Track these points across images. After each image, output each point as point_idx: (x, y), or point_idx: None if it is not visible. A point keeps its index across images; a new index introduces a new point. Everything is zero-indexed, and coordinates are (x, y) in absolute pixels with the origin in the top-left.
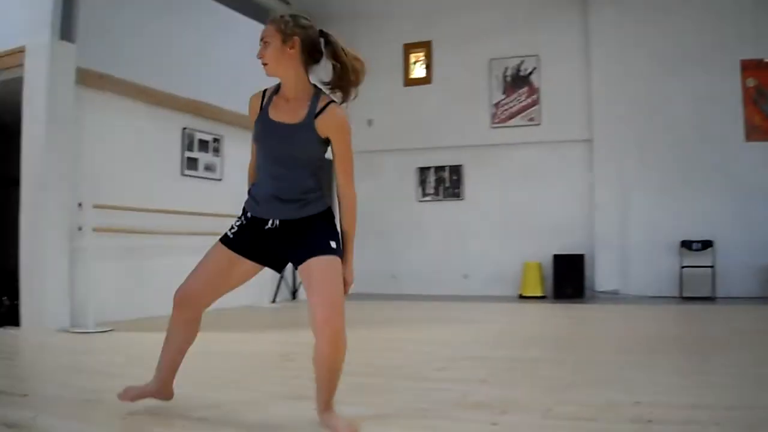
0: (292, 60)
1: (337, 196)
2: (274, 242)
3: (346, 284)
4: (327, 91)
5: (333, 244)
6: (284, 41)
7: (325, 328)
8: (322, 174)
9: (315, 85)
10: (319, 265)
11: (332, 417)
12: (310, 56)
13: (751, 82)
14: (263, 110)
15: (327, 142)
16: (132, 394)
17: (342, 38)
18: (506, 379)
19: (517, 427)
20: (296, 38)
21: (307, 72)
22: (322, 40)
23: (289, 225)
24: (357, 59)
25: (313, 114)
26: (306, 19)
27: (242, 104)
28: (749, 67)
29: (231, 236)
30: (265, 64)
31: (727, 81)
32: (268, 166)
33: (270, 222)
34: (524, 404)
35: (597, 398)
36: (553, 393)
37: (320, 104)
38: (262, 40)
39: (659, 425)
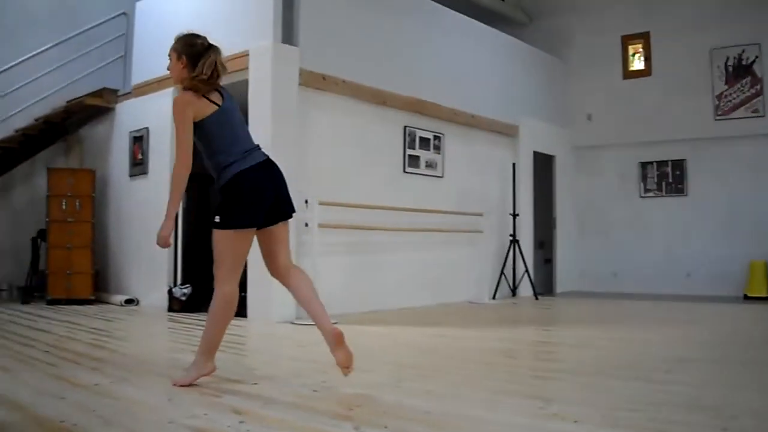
0: (183, 71)
1: None
2: None
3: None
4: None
5: (217, 219)
6: (178, 58)
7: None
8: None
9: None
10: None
11: (191, 367)
12: (195, 67)
13: None
14: None
15: (199, 125)
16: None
17: (220, 53)
18: (735, 382)
19: None
20: (184, 56)
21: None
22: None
23: None
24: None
25: None
26: (197, 37)
27: (462, 102)
28: None
29: None
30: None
31: None
32: None
33: None
34: (754, 410)
35: None
36: None
37: None
38: (168, 56)
39: None
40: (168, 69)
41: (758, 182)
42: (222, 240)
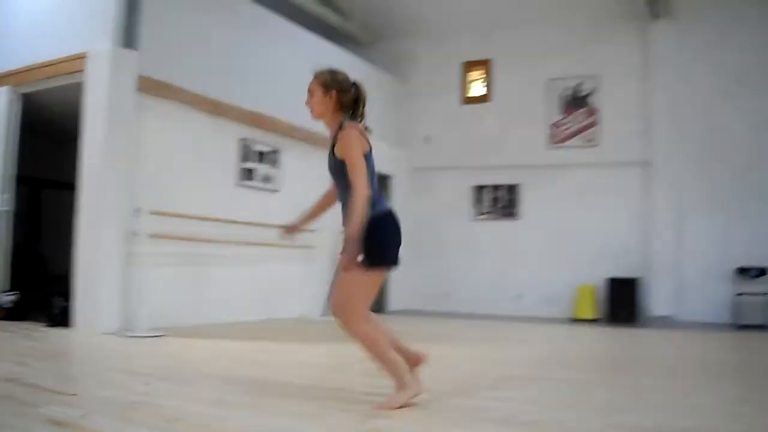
0: (329, 106)
1: None
2: None
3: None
4: (348, 120)
5: (366, 259)
6: (325, 93)
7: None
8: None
9: (342, 121)
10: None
11: (400, 392)
12: (343, 102)
13: None
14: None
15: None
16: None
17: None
18: (556, 400)
19: None
20: (334, 90)
21: (340, 113)
22: (353, 88)
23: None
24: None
25: (333, 144)
26: (342, 73)
27: (300, 117)
28: None
29: None
30: (311, 110)
31: None
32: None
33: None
34: (573, 426)
35: (646, 422)
36: (602, 416)
37: (338, 134)
38: (309, 90)
39: None
40: (307, 103)
41: (587, 209)
42: (363, 281)
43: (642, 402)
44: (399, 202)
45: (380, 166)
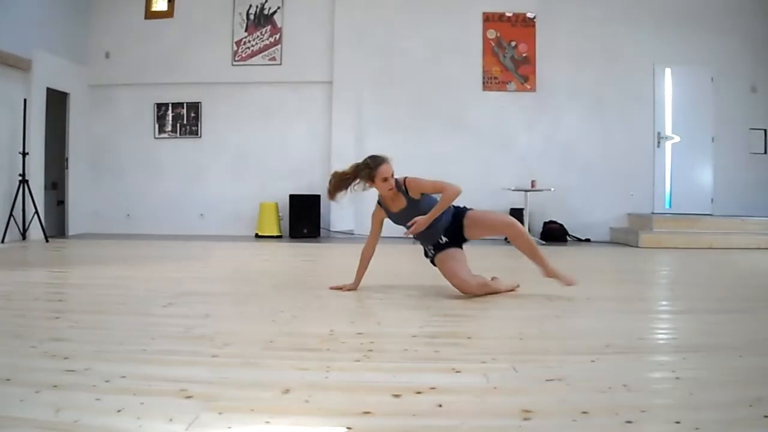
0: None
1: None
2: None
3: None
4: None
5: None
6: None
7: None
8: None
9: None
10: None
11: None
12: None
13: (491, 34)
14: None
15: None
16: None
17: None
18: (231, 314)
19: (237, 357)
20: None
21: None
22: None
23: None
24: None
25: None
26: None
27: None
28: (491, 19)
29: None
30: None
31: (469, 32)
32: None
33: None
34: (246, 337)
35: (321, 330)
36: (277, 326)
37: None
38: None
39: (379, 353)
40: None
41: (270, 127)
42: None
43: (318, 311)
44: (76, 121)
45: (57, 84)
